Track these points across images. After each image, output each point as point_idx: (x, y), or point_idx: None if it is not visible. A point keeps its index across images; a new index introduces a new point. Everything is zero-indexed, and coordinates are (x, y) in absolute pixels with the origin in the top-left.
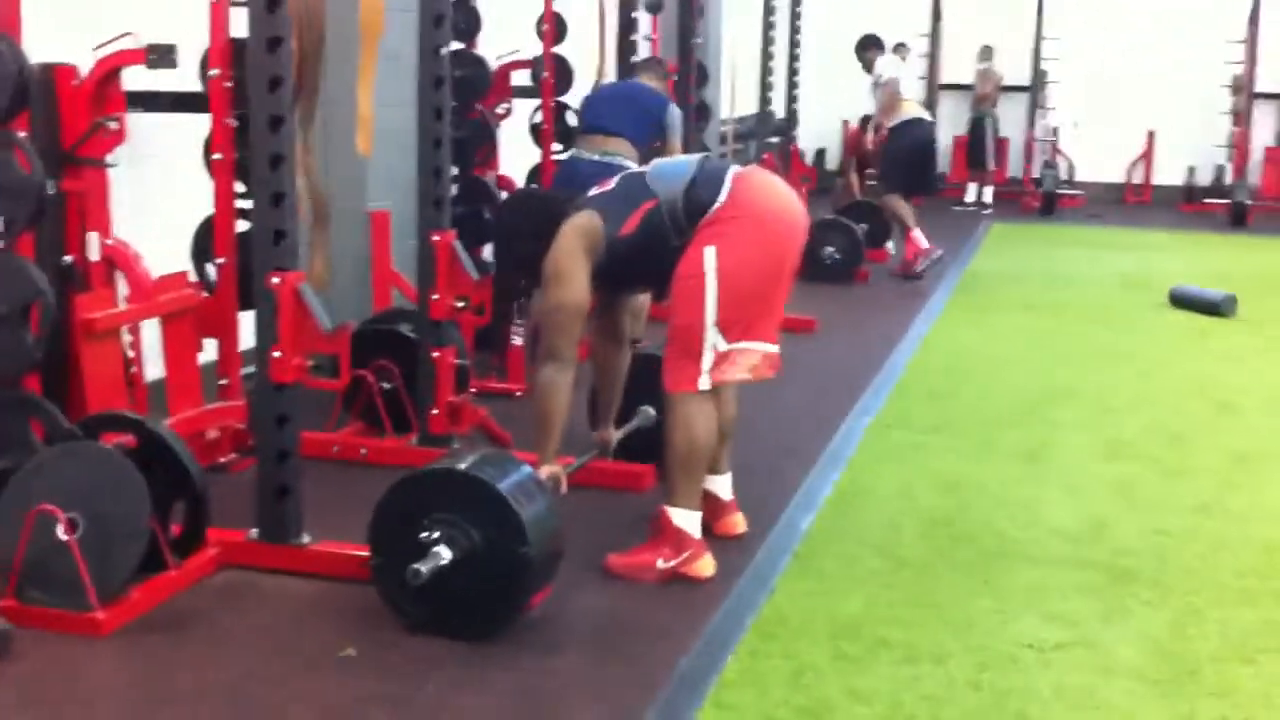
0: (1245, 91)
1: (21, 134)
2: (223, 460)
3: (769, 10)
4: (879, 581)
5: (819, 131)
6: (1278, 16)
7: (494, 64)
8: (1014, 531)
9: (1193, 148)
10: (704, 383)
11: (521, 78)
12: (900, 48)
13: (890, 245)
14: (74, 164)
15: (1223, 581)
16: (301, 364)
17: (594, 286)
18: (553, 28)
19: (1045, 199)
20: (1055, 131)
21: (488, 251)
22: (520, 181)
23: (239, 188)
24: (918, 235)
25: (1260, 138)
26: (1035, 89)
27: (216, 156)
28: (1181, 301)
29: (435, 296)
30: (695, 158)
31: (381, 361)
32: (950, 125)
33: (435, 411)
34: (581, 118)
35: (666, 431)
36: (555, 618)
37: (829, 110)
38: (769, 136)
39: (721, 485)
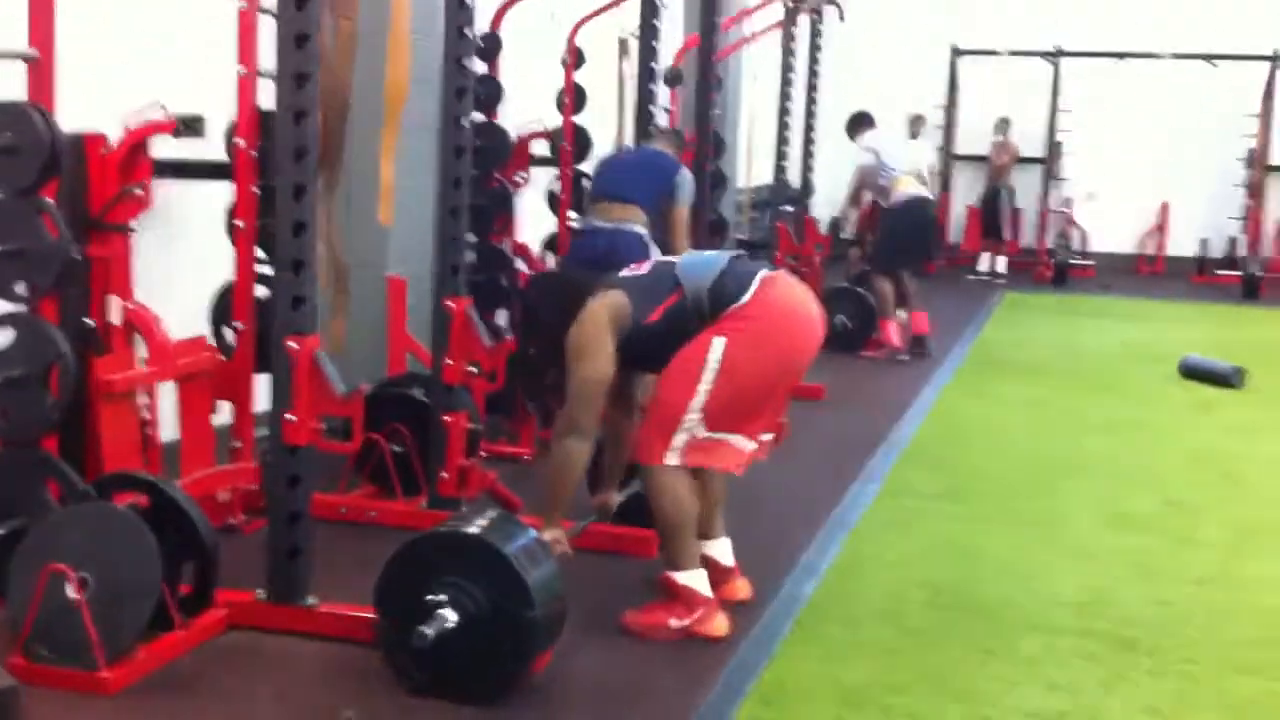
0: (1259, 164)
1: (50, 201)
2: (234, 521)
3: (786, 82)
4: (882, 648)
5: (834, 200)
6: None
7: (514, 134)
8: (1019, 600)
9: (1206, 220)
10: (671, 459)
11: (540, 147)
12: (917, 120)
13: (902, 313)
14: (99, 229)
15: (1224, 652)
16: (315, 427)
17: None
18: (573, 99)
19: (1058, 269)
20: (1069, 202)
21: (502, 318)
22: (536, 248)
23: (259, 254)
24: (893, 327)
25: (1274, 211)
26: (1050, 160)
27: (239, 224)
28: (1191, 373)
29: (449, 361)
30: (727, 255)
31: (394, 425)
32: (966, 196)
33: (445, 475)
34: (595, 183)
35: (649, 502)
36: (557, 682)
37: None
38: (784, 205)
39: (721, 551)
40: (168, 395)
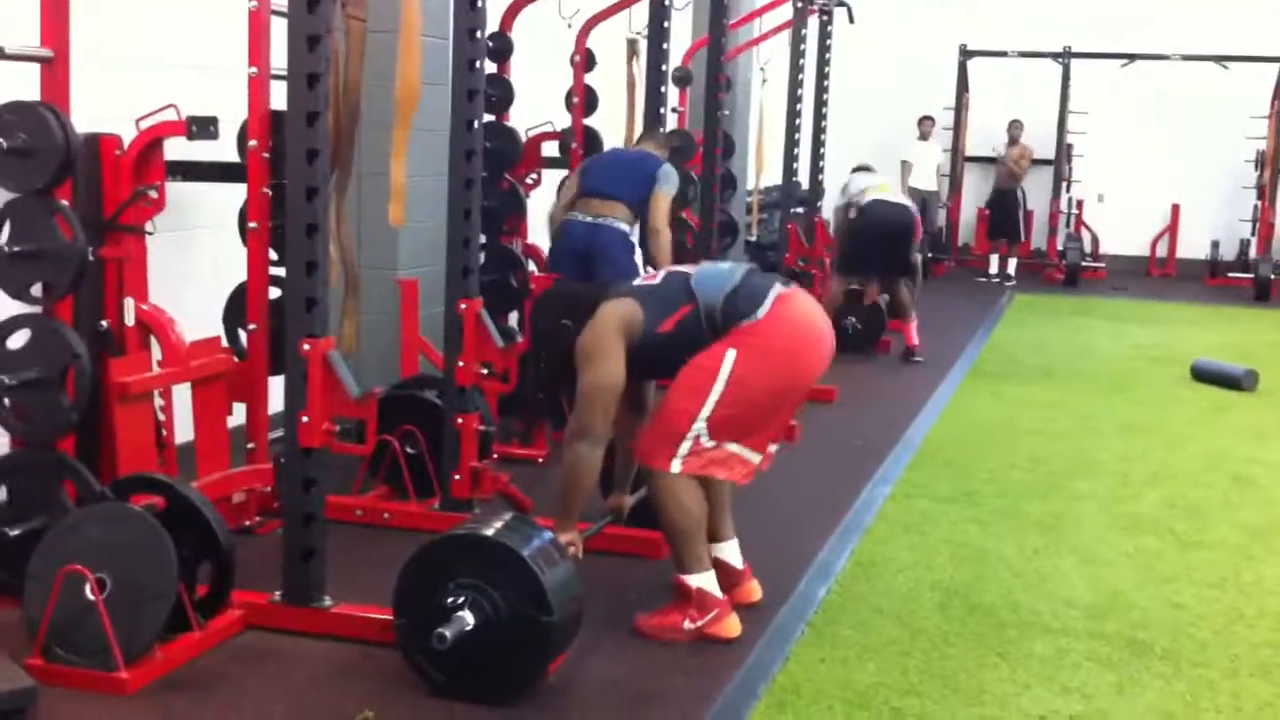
0: (1269, 166)
1: (64, 202)
2: (249, 523)
3: (795, 83)
4: (894, 651)
5: None
6: None
7: (525, 135)
8: (1030, 602)
9: (1217, 222)
10: (675, 466)
11: (551, 148)
12: (926, 121)
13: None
14: (114, 231)
15: (1237, 654)
16: (329, 429)
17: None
18: (583, 100)
19: (1069, 271)
20: (1079, 205)
21: (514, 319)
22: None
23: (272, 256)
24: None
25: None
26: (1060, 162)
27: (251, 225)
28: (1203, 375)
29: (461, 363)
30: (742, 268)
31: (407, 427)
32: (975, 198)
33: (458, 477)
34: (581, 182)
35: (654, 506)
36: (571, 683)
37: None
38: (794, 207)
39: (730, 553)
40: (183, 397)
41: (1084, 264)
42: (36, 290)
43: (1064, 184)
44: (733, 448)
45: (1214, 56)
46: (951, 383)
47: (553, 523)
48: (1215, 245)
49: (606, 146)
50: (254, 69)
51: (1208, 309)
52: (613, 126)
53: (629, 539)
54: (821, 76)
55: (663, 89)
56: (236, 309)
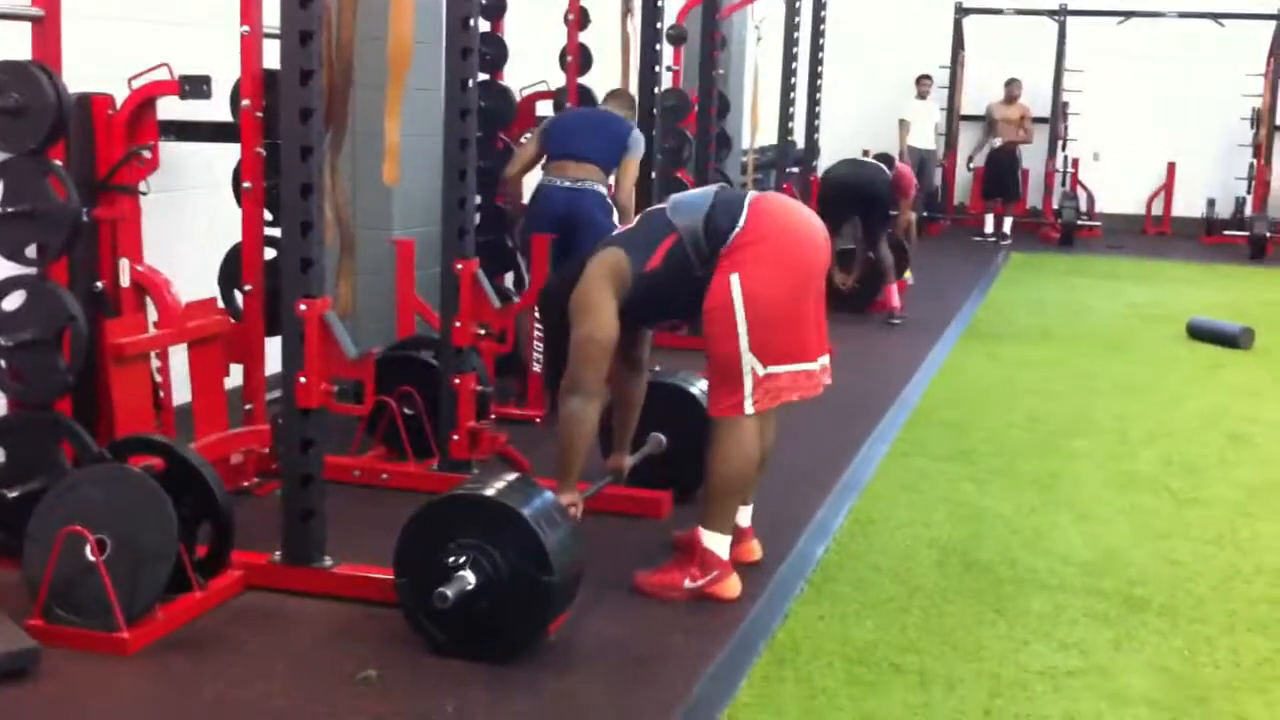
0: (1265, 124)
1: (58, 162)
2: (247, 484)
3: (791, 42)
4: (893, 608)
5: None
6: None
7: (519, 94)
8: (1028, 559)
9: (1213, 180)
10: (749, 407)
11: (546, 108)
12: (924, 80)
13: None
14: (108, 191)
15: (1234, 610)
16: (326, 389)
17: (623, 320)
18: (577, 59)
19: (1064, 230)
20: (1075, 163)
21: (509, 280)
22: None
23: (267, 216)
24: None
25: None
26: (1055, 121)
27: (246, 185)
28: (1199, 333)
29: (458, 324)
30: (712, 188)
31: (404, 388)
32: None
33: (456, 437)
34: (548, 145)
35: (709, 457)
36: (574, 641)
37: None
38: (790, 167)
39: (742, 513)
40: (179, 358)
41: (1079, 223)
42: (31, 252)
43: (1059, 142)
44: (789, 368)
45: (1210, 14)
46: (948, 342)
47: (553, 484)
48: (1211, 203)
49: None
50: (246, 27)
51: (1204, 267)
52: (607, 85)
53: (629, 499)
54: (817, 34)
55: (657, 47)
56: (232, 270)
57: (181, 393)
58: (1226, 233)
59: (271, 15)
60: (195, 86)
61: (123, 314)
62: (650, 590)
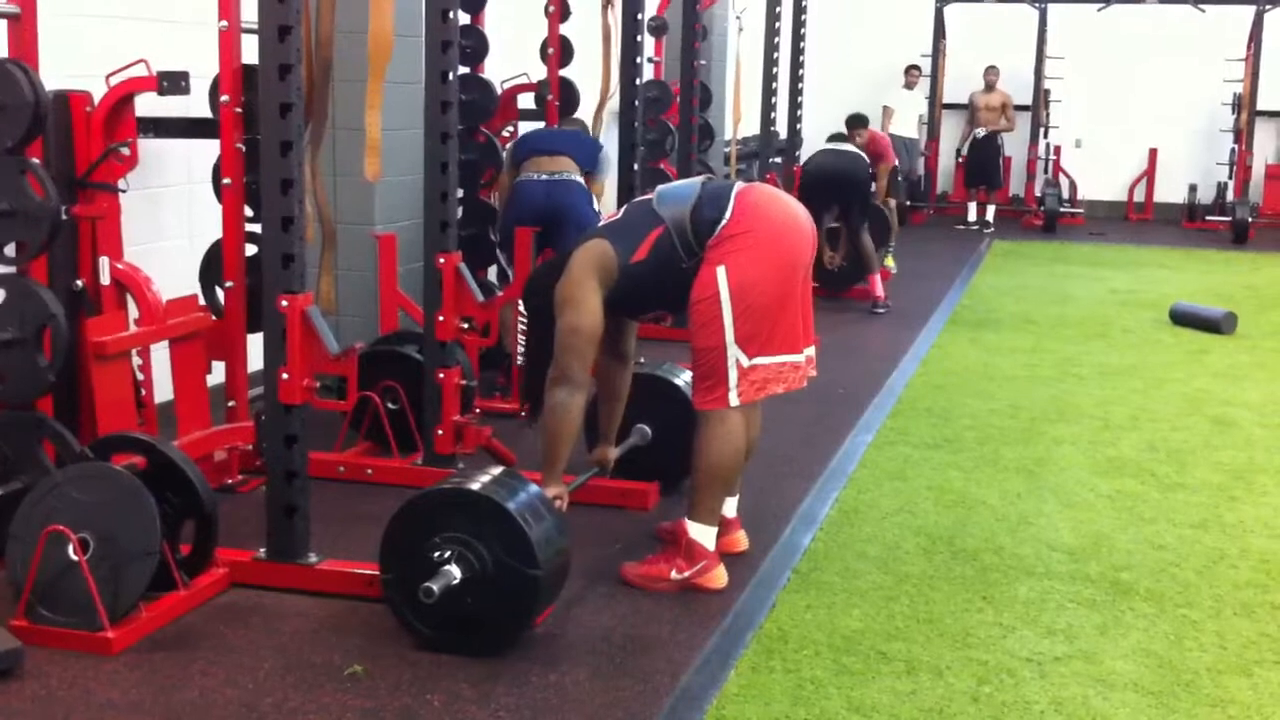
0: (1246, 109)
1: (36, 160)
2: (230, 481)
3: (773, 32)
4: (879, 596)
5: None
6: (1278, 34)
7: (500, 87)
8: (1013, 546)
9: (1194, 166)
10: (733, 399)
11: (527, 100)
12: (912, 70)
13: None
14: (87, 189)
15: (1220, 594)
16: (309, 385)
17: (609, 311)
18: (558, 51)
19: (1047, 217)
20: (1057, 150)
21: (492, 273)
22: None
23: (247, 212)
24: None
25: (1261, 155)
26: (1037, 108)
27: (226, 181)
28: (1182, 319)
29: (441, 318)
30: (699, 179)
31: (388, 382)
32: (954, 145)
33: (440, 432)
34: (522, 149)
35: (695, 448)
36: (560, 633)
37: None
38: (772, 157)
39: (728, 504)
40: (161, 356)
41: (1062, 210)
42: (10, 250)
43: (1041, 130)
44: (774, 359)
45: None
46: (932, 330)
47: (538, 476)
48: (1193, 189)
49: (582, 97)
50: (224, 22)
51: (1186, 253)
52: (588, 77)
53: (614, 490)
54: (798, 24)
55: (639, 39)
56: (213, 266)
57: (164, 390)
58: (1208, 218)
59: (250, 10)
60: (174, 82)
61: (103, 312)
62: (637, 582)
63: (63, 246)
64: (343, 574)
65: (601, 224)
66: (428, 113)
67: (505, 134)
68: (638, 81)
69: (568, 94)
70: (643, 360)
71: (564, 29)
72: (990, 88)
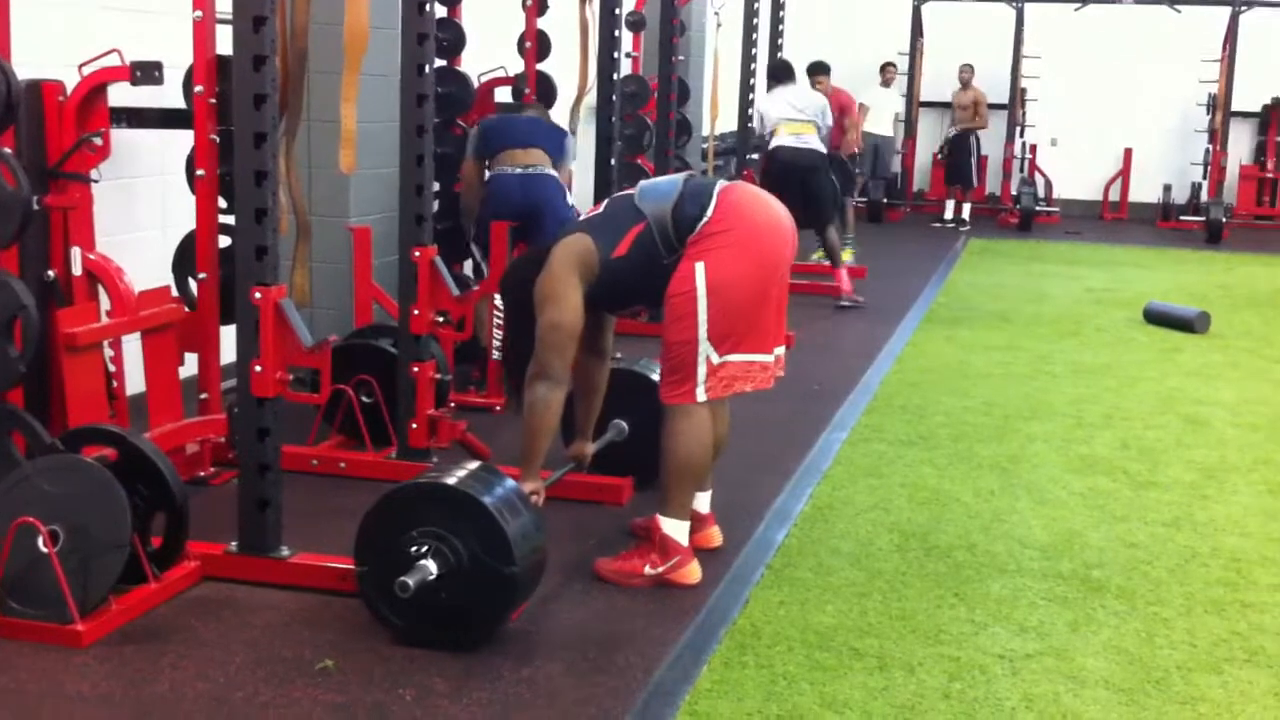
0: (1221, 110)
1: (7, 149)
2: (203, 474)
3: (751, 28)
4: (853, 592)
5: None
6: (1253, 35)
7: (477, 80)
8: (986, 544)
9: (1169, 166)
10: (700, 395)
11: (504, 94)
12: (889, 68)
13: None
14: (58, 179)
15: (1191, 593)
16: (282, 378)
17: (589, 306)
18: (535, 45)
19: (1023, 216)
20: (1033, 149)
21: (468, 266)
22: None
23: (221, 203)
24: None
25: (1236, 155)
26: (1013, 107)
27: (199, 172)
28: (1155, 318)
29: (415, 311)
30: (681, 176)
31: (362, 376)
32: (930, 143)
33: (414, 426)
34: (492, 140)
35: (663, 443)
36: (534, 628)
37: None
38: (750, 153)
39: (702, 500)
40: (133, 347)
41: (1038, 209)
42: None
43: (1017, 129)
44: (744, 357)
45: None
46: (907, 328)
47: (515, 471)
48: (1167, 189)
49: (560, 91)
50: (198, 12)
51: (1160, 252)
52: (566, 71)
53: (589, 485)
54: (776, 20)
55: (616, 33)
56: (186, 257)
57: (135, 382)
58: (1183, 218)
59: (224, 1)
60: (147, 73)
61: (75, 303)
62: (611, 577)
63: (34, 237)
64: (315, 568)
65: (582, 218)
66: (403, 106)
67: (462, 173)
68: (615, 76)
69: (545, 88)
70: (619, 356)
71: (541, 23)
72: (965, 86)
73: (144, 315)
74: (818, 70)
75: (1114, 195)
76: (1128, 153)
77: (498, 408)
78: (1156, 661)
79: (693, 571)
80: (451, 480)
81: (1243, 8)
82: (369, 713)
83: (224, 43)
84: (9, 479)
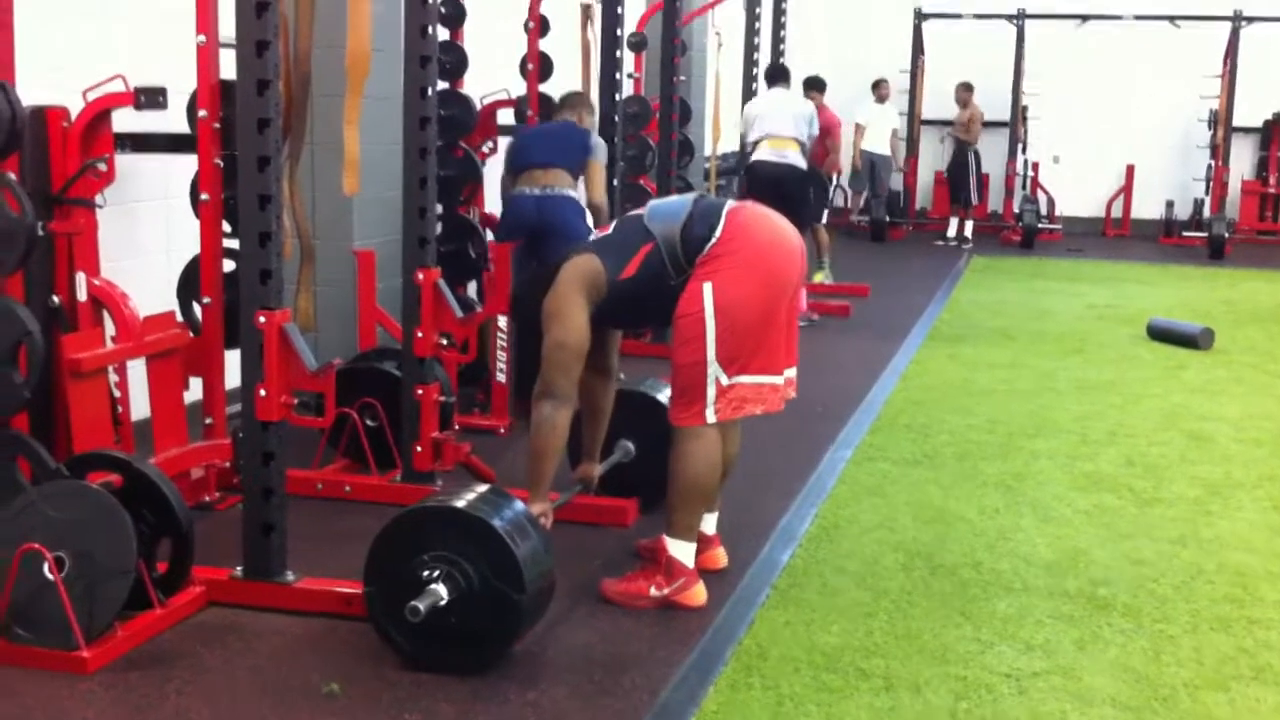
0: (1222, 125)
1: (12, 175)
2: (208, 499)
3: (751, 48)
4: (858, 612)
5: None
6: (1253, 50)
7: (479, 102)
8: (992, 562)
9: (1171, 182)
10: (710, 416)
11: (506, 116)
12: (881, 84)
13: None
14: (63, 205)
15: (1197, 610)
16: (287, 402)
17: (595, 326)
18: (537, 67)
19: (1025, 233)
20: (1035, 167)
21: (472, 289)
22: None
23: (225, 227)
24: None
25: (1238, 171)
26: (1015, 125)
27: (203, 197)
28: (1159, 334)
29: (420, 334)
30: (690, 196)
31: (366, 399)
32: (932, 161)
33: (419, 449)
34: (515, 158)
35: (672, 464)
36: (539, 651)
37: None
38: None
39: (707, 521)
40: (138, 373)
41: (1040, 226)
42: None
43: (1019, 146)
44: (754, 379)
45: (1166, 16)
46: (911, 346)
47: (523, 493)
48: (1170, 205)
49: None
50: (202, 37)
51: (1163, 268)
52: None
53: (594, 508)
54: (777, 40)
55: (618, 54)
56: (190, 282)
57: (140, 407)
58: (1185, 234)
59: (227, 25)
60: (151, 98)
61: (80, 328)
62: (616, 599)
63: (39, 263)
64: (320, 592)
65: (592, 238)
66: (406, 128)
67: (484, 149)
68: (617, 97)
69: (547, 109)
70: (623, 376)
71: (543, 44)
72: (964, 105)
73: (149, 340)
74: (813, 86)
75: (1116, 212)
76: (1129, 169)
77: (502, 430)
78: (1163, 679)
79: (697, 593)
80: (463, 504)
81: (1243, 23)
82: None
83: (228, 67)
84: (14, 505)
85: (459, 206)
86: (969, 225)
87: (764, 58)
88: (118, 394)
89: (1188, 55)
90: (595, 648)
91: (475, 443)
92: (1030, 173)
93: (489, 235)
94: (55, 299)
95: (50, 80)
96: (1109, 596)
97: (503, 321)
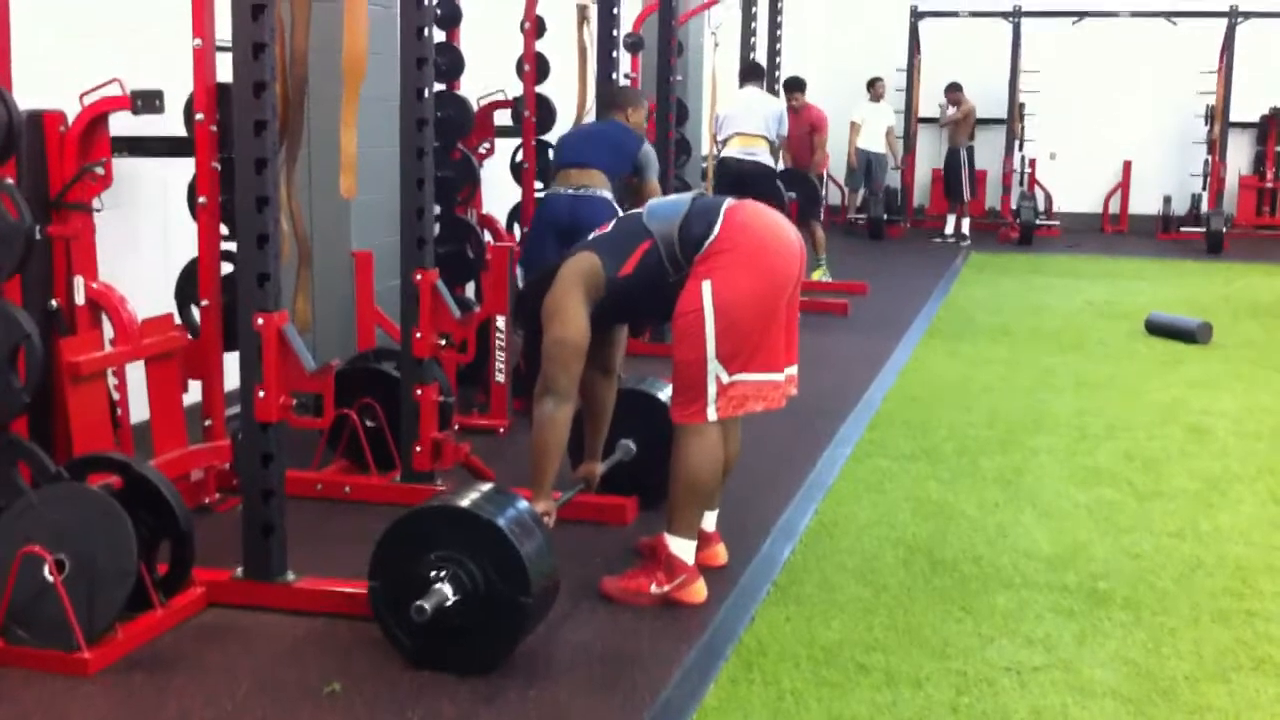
0: (1219, 121)
1: (9, 180)
2: (207, 500)
3: (748, 48)
4: (859, 608)
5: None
6: (1249, 46)
7: (476, 104)
8: (992, 556)
9: (1168, 177)
10: (711, 414)
11: (503, 117)
12: (877, 83)
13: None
14: (61, 209)
15: (1196, 602)
16: (286, 403)
17: (595, 324)
18: (534, 68)
19: (1023, 230)
20: (1032, 163)
21: (470, 290)
22: (502, 221)
23: (223, 230)
24: None
25: (1235, 166)
26: (1012, 121)
27: (201, 200)
28: (1157, 329)
29: (418, 334)
30: (689, 195)
31: (365, 400)
32: (929, 159)
33: (418, 449)
34: (556, 156)
35: (673, 462)
36: (540, 649)
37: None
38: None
39: (707, 518)
40: (136, 376)
41: (1038, 222)
42: None
43: (1016, 143)
44: (755, 376)
45: (1163, 12)
46: (909, 342)
47: (526, 492)
48: (1167, 200)
49: (559, 113)
50: (198, 40)
51: (1161, 264)
52: (564, 93)
53: (594, 506)
54: (774, 40)
55: (614, 55)
56: (188, 285)
57: (139, 410)
58: (1183, 229)
59: (223, 28)
60: (148, 101)
61: (78, 332)
62: (617, 596)
63: (37, 266)
64: (320, 592)
65: (591, 237)
66: (403, 130)
67: (481, 150)
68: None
69: (544, 110)
70: (622, 376)
71: (540, 45)
72: (958, 105)
73: (147, 343)
74: (794, 87)
75: (1114, 207)
76: (1127, 165)
77: (501, 430)
78: (1164, 672)
79: (698, 590)
80: (468, 503)
81: (1239, 18)
82: None
83: (224, 70)
84: (14, 508)
85: (457, 207)
86: (966, 222)
87: (760, 57)
88: (117, 397)
89: (1184, 51)
90: (596, 645)
91: (474, 442)
92: (1028, 169)
93: (486, 236)
94: (54, 302)
95: (47, 84)
96: (1109, 590)
97: (500, 321)
